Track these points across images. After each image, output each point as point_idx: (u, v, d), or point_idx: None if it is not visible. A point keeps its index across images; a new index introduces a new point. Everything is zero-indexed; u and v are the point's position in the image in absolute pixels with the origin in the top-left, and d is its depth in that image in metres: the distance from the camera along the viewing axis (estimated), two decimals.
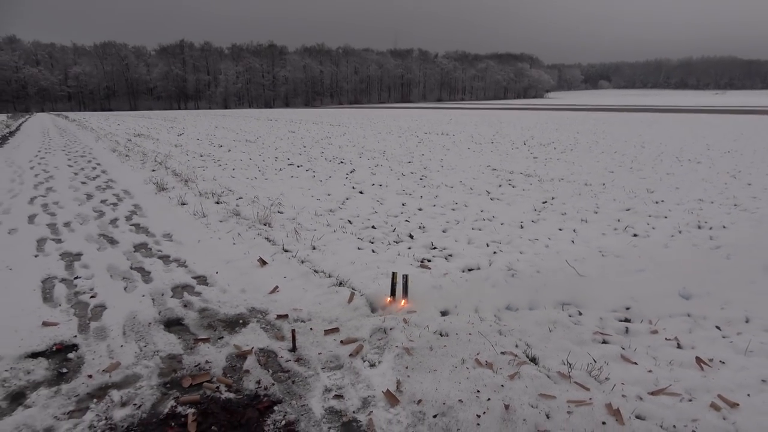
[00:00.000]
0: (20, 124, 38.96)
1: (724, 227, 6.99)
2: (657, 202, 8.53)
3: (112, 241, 6.36)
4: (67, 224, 7.20)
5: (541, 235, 6.54)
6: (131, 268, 5.36)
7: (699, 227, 7.01)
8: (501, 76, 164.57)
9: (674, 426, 2.61)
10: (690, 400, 2.85)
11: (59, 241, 6.39)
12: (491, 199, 8.77)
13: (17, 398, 3.06)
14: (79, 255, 5.78)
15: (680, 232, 6.80)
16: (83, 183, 10.68)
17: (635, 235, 6.61)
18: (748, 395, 2.91)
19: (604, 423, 2.61)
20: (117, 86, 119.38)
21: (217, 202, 8.22)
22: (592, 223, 7.26)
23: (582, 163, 13.33)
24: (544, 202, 8.50)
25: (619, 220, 7.37)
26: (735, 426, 2.62)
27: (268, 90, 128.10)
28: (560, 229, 6.88)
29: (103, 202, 8.72)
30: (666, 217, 7.55)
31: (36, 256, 5.75)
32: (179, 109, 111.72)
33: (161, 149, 17.37)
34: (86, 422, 2.79)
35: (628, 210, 8.02)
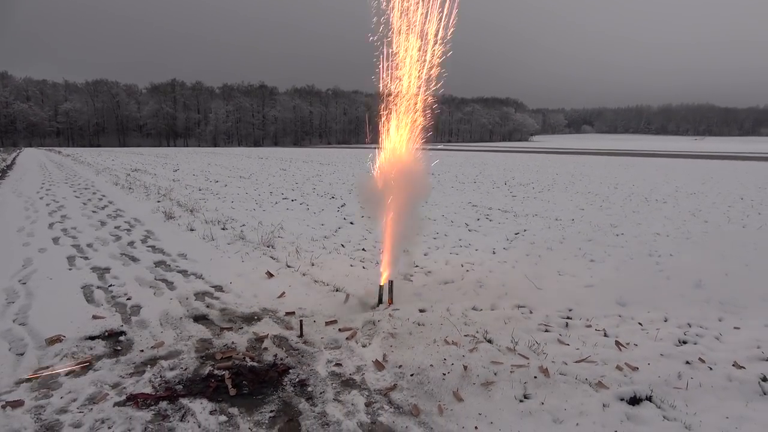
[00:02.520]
0: (14, 158, 39.71)
1: (671, 255, 8.01)
2: (617, 235, 9.57)
3: (134, 259, 7.23)
4: (89, 245, 8.06)
5: (509, 259, 7.51)
6: (156, 279, 6.24)
7: (650, 255, 8.03)
8: (486, 120, 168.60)
9: (586, 378, 3.56)
10: (603, 365, 3.80)
11: (86, 258, 7.26)
12: (469, 230, 9.76)
13: (86, 366, 3.91)
14: (107, 269, 6.65)
15: (632, 258, 7.81)
16: (94, 212, 11.55)
17: (592, 261, 7.61)
18: (648, 364, 3.87)
19: (535, 377, 3.55)
20: (107, 123, 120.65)
21: (223, 228, 9.15)
22: (557, 251, 8.24)
23: (556, 202, 14.44)
24: (516, 234, 9.51)
25: (580, 248, 8.36)
26: (631, 379, 3.58)
27: (257, 129, 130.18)
28: (527, 255, 7.85)
29: (117, 228, 9.60)
30: (623, 247, 8.56)
31: (70, 269, 6.61)
32: (168, 146, 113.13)
33: (161, 183, 18.31)
34: (145, 379, 3.67)
35: (590, 241, 9.02)
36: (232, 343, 4.31)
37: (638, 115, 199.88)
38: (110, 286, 5.92)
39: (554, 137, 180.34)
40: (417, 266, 6.92)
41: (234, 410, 3.29)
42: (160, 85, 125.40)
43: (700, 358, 3.99)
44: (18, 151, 62.35)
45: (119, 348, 4.23)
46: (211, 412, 3.25)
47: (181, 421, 3.16)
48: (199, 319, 4.93)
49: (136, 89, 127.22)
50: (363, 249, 7.89)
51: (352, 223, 10.33)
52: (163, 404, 3.33)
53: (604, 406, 3.25)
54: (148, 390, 3.51)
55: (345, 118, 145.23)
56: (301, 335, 4.47)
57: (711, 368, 3.84)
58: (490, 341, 4.26)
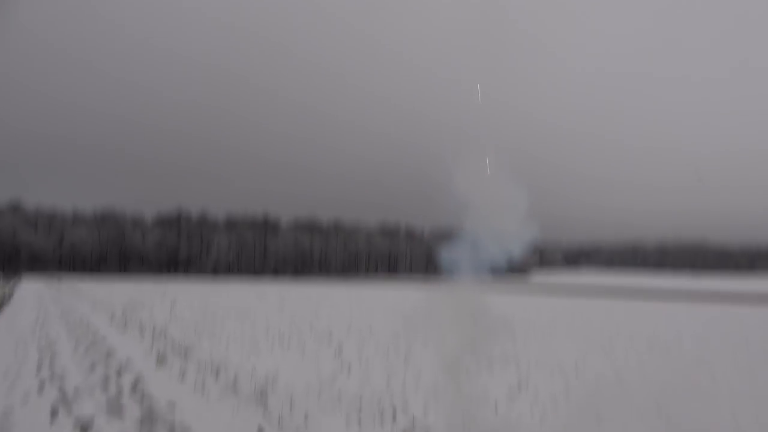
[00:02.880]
0: (12, 290, 39.60)
1: (680, 412, 7.71)
2: (623, 388, 9.30)
3: (121, 410, 6.91)
4: (76, 389, 7.78)
5: (514, 412, 7.27)
6: None
7: (658, 413, 7.72)
8: None
9: None
10: None
11: (70, 409, 6.93)
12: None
13: None
14: (92, 420, 6.34)
15: (641, 418, 7.51)
16: (86, 351, 11.27)
17: (599, 419, 7.30)
18: None
19: None
20: (110, 253, 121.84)
21: (216, 375, 8.88)
22: (559, 403, 7.98)
23: (558, 348, 14.15)
24: (519, 387, 9.16)
25: (584, 398, 8.11)
26: None
27: (258, 261, 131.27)
28: (531, 415, 7.54)
29: (106, 370, 9.30)
30: (627, 393, 8.33)
31: (51, 425, 6.30)
32: (168, 272, 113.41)
33: (157, 320, 18.10)
34: None
35: (594, 395, 8.71)
36: None
37: (634, 253, 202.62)
38: None
39: (552, 275, 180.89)
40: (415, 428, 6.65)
41: None
42: (166, 219, 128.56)
43: None
44: (19, 279, 62.29)
45: None
46: None
47: None
48: None
49: (142, 221, 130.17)
50: (360, 397, 7.61)
51: (349, 368, 10.05)
52: None
53: None
54: None
55: (345, 252, 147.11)
56: None
57: None
58: None
